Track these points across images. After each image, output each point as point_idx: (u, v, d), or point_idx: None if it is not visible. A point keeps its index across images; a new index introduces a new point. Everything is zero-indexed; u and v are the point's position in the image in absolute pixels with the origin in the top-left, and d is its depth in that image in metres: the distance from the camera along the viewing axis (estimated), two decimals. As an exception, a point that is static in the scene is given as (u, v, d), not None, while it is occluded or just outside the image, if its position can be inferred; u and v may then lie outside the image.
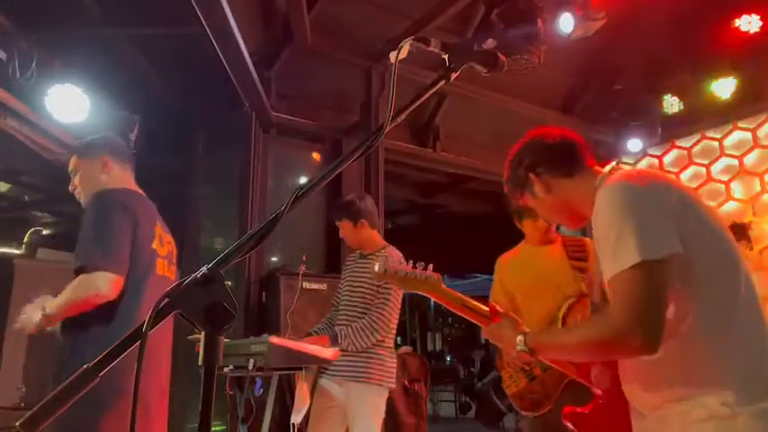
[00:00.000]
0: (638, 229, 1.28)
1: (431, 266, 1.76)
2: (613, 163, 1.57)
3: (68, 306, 2.03)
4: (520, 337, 1.51)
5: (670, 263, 1.26)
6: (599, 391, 1.59)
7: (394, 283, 1.82)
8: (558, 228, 3.04)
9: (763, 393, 1.24)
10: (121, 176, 2.40)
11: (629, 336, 1.24)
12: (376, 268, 1.77)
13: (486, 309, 1.68)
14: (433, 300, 1.76)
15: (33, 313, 2.09)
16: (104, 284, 1.97)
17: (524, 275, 2.91)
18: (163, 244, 2.34)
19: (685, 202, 1.37)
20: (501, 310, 1.67)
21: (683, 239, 1.29)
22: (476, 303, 1.72)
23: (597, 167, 1.59)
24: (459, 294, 1.75)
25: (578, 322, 1.43)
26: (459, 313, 1.72)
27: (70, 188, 2.42)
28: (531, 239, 3.02)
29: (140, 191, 2.43)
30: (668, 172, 5.91)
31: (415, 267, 1.77)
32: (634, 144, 5.87)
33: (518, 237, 3.18)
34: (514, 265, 3.02)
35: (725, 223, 1.44)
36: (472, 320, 1.71)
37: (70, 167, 2.41)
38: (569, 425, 1.64)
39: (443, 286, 1.75)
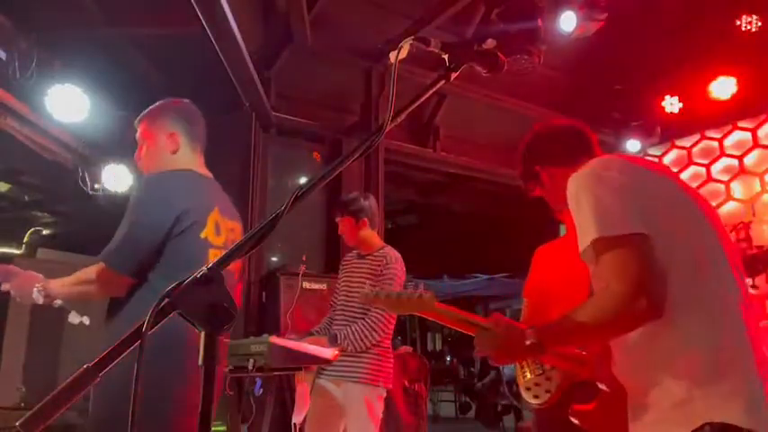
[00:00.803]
0: (600, 206, 1.32)
1: (422, 285, 1.73)
2: None
3: (78, 295, 2.01)
4: (530, 331, 1.45)
5: (641, 238, 1.28)
6: (604, 387, 1.59)
7: (385, 308, 1.77)
8: None
9: (721, 373, 1.23)
10: (188, 155, 2.16)
11: (634, 300, 1.24)
12: (364, 291, 1.73)
13: (485, 320, 1.64)
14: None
15: (32, 291, 1.99)
16: (116, 289, 1.94)
17: (557, 269, 2.83)
18: (220, 232, 2.09)
19: (658, 186, 1.40)
20: (501, 318, 1.64)
21: (649, 220, 1.30)
22: (473, 316, 1.66)
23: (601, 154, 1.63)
24: (455, 309, 1.70)
25: (577, 307, 1.41)
26: (458, 329, 1.66)
27: (135, 157, 2.17)
28: (572, 233, 2.92)
29: (206, 173, 2.20)
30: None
31: (405, 288, 1.72)
32: (634, 144, 5.87)
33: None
34: (550, 258, 2.93)
35: (708, 206, 1.44)
36: (471, 334, 1.67)
37: (137, 134, 2.16)
38: (575, 421, 1.64)
39: (438, 304, 1.69)
